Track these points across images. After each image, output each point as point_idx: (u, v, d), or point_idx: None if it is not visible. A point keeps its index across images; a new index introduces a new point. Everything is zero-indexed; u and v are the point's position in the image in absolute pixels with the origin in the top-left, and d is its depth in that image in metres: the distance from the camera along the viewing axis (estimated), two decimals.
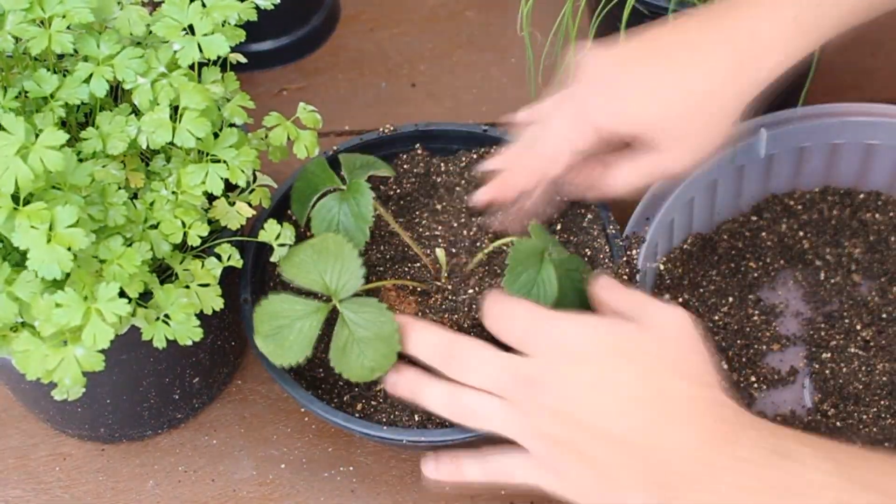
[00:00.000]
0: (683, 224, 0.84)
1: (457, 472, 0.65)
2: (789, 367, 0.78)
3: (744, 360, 0.78)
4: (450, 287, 0.74)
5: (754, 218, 0.86)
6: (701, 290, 0.82)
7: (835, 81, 0.99)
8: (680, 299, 0.81)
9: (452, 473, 0.65)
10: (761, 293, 0.82)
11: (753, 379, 0.77)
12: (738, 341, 0.79)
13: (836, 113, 0.84)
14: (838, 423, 0.74)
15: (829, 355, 0.78)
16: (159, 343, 0.62)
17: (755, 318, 0.80)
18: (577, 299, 0.70)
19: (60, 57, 0.67)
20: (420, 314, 0.72)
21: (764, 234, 0.85)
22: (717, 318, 0.80)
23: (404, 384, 0.65)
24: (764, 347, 0.79)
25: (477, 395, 0.61)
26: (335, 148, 0.80)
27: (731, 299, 0.81)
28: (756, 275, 0.83)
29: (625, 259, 0.74)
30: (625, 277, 0.72)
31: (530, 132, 0.75)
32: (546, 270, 0.68)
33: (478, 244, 0.76)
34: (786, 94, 0.89)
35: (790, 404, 0.76)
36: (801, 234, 0.85)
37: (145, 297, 0.63)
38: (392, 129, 0.81)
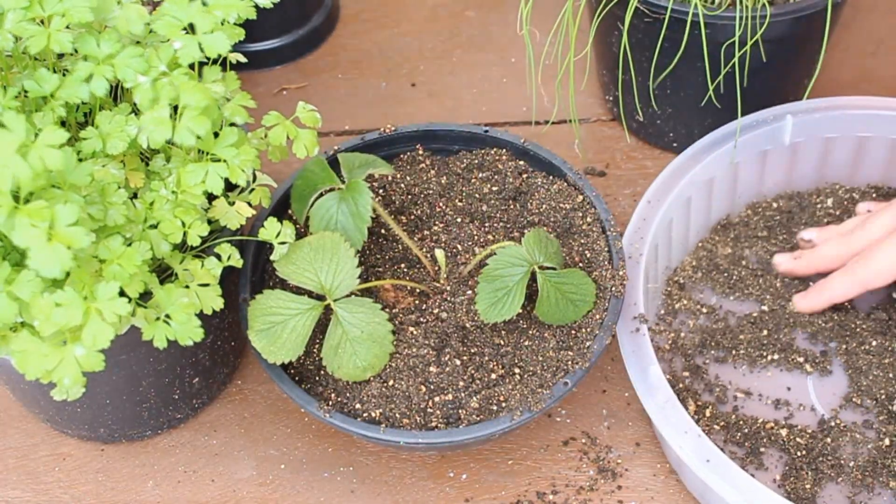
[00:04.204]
0: (703, 207, 0.85)
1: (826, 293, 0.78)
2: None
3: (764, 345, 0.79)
4: (448, 288, 0.74)
5: (776, 205, 0.87)
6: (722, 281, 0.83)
7: (834, 80, 0.99)
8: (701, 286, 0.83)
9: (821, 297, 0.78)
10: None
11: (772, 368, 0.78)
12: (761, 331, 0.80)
13: (864, 105, 0.84)
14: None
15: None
16: (160, 343, 0.62)
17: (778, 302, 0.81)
18: (565, 313, 0.70)
19: (60, 56, 0.67)
20: (418, 314, 0.72)
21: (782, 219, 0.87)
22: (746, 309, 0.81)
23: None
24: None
25: None
26: (336, 147, 0.80)
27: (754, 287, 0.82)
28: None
29: (622, 262, 0.74)
30: (624, 282, 0.72)
31: (851, 222, 0.80)
32: (522, 282, 0.68)
33: (477, 246, 0.76)
34: (784, 90, 0.90)
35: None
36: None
37: (145, 297, 0.62)
38: (393, 129, 0.81)
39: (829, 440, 0.73)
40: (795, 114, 0.83)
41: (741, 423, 0.74)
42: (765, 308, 0.81)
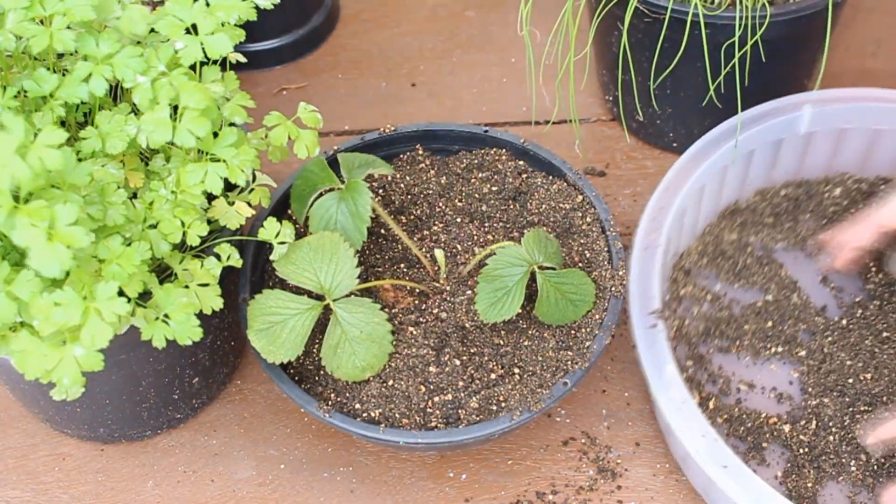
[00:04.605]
0: (714, 194, 0.85)
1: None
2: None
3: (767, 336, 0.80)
4: (448, 288, 0.74)
5: (783, 192, 0.87)
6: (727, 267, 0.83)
7: (834, 81, 0.99)
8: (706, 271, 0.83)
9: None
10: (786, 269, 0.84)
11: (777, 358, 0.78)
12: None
13: (881, 98, 0.84)
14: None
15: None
16: (159, 343, 0.62)
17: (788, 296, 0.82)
18: (564, 313, 0.70)
19: (60, 56, 0.67)
20: (418, 314, 0.72)
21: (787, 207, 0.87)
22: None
23: None
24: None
25: None
26: (336, 147, 0.80)
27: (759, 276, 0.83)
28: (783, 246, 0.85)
29: (622, 262, 0.74)
30: (623, 282, 0.72)
31: None
32: (521, 282, 0.68)
33: (476, 246, 0.76)
34: (784, 90, 0.90)
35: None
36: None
37: (145, 297, 0.62)
38: (393, 129, 0.81)
39: (831, 438, 0.73)
40: (814, 104, 0.83)
41: (744, 416, 0.74)
42: (769, 298, 0.81)
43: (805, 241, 0.85)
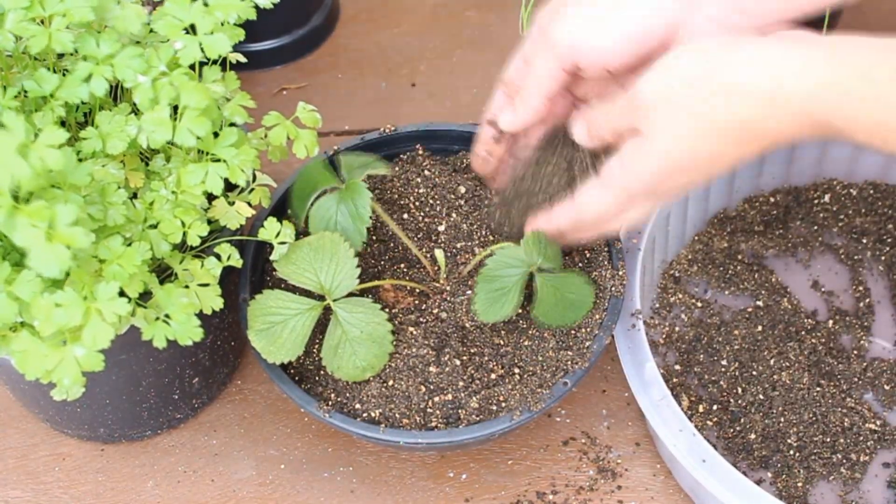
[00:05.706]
0: (700, 200, 0.85)
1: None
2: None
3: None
4: (448, 288, 0.74)
5: (773, 199, 0.87)
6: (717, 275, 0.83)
7: None
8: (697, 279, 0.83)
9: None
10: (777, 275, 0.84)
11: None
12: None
13: None
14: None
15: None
16: (159, 343, 0.62)
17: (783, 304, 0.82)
18: (563, 315, 0.70)
19: (60, 56, 0.67)
20: (418, 314, 0.72)
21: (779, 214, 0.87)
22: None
23: None
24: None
25: None
26: (336, 147, 0.80)
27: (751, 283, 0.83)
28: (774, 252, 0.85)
29: (622, 262, 0.74)
30: (623, 282, 0.72)
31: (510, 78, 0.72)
32: (519, 283, 0.68)
33: (477, 246, 0.76)
34: None
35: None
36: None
37: (145, 297, 0.62)
38: (393, 129, 0.81)
39: (820, 437, 0.73)
40: None
41: (734, 419, 0.74)
42: (760, 304, 0.81)
43: (796, 247, 0.85)
